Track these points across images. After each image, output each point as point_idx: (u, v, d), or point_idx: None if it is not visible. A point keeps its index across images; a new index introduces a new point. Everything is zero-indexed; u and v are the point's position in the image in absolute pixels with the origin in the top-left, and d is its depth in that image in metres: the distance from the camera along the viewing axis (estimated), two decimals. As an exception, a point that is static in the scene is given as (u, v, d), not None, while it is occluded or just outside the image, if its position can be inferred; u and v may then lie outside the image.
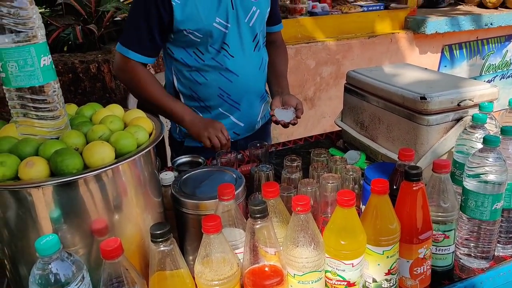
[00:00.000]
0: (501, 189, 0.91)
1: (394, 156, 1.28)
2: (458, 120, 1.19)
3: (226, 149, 1.40)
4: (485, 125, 1.03)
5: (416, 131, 1.20)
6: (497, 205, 0.92)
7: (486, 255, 0.97)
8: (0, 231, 0.71)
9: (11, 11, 0.63)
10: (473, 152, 0.95)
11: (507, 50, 3.60)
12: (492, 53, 3.51)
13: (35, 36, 0.67)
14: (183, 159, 1.33)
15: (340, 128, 1.68)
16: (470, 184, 0.93)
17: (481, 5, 3.47)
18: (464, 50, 3.32)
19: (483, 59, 3.50)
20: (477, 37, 3.33)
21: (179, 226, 0.98)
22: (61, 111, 0.73)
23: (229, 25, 1.40)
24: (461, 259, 1.00)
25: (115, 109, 0.85)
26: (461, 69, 3.39)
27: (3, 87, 0.70)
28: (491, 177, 0.90)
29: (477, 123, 1.03)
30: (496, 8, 3.40)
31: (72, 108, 0.86)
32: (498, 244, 1.01)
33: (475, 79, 3.36)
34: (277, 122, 1.44)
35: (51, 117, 0.72)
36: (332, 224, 0.82)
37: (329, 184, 1.09)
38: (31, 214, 0.65)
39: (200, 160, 1.32)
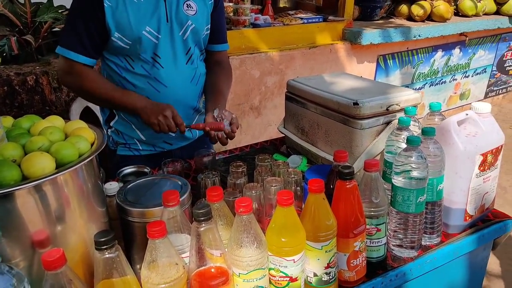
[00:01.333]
0: (424, 184, 1.01)
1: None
2: (387, 123, 1.30)
3: (181, 132, 1.41)
4: (409, 127, 1.14)
5: (351, 134, 1.29)
6: (421, 198, 1.02)
7: (414, 245, 1.07)
8: None
9: None
10: (399, 151, 1.05)
11: (434, 60, 3.92)
12: (421, 62, 3.81)
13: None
14: (128, 169, 1.32)
15: (283, 135, 1.76)
16: (397, 180, 1.02)
17: (410, 18, 3.75)
18: (397, 59, 3.57)
19: (413, 68, 3.78)
20: (407, 48, 3.60)
21: (126, 236, 0.98)
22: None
23: (160, 36, 1.42)
24: (393, 250, 1.09)
25: (55, 121, 0.84)
26: (395, 77, 3.63)
27: None
28: (414, 173, 1.00)
29: (402, 126, 1.13)
30: (423, 21, 3.70)
31: (8, 120, 0.84)
32: (425, 234, 1.11)
33: (407, 86, 3.63)
34: (209, 137, 1.43)
35: (-14, 129, 0.70)
36: (274, 223, 0.87)
37: (272, 187, 1.15)
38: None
39: (145, 170, 1.33)
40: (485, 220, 1.22)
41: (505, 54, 4.65)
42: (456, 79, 4.26)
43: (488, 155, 1.10)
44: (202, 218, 0.78)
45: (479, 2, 3.98)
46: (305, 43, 2.98)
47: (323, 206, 0.90)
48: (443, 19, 3.67)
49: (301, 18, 2.97)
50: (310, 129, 1.48)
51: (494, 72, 4.67)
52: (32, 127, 0.80)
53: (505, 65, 4.74)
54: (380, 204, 0.98)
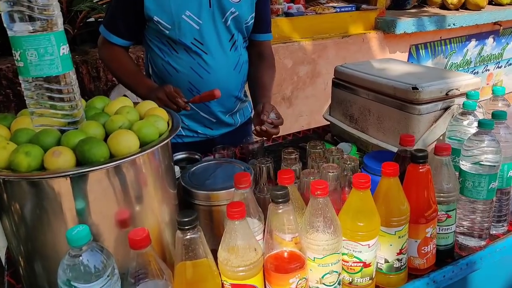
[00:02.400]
0: (497, 170, 0.97)
1: (386, 146, 1.33)
2: (446, 109, 1.26)
3: (183, 108, 1.35)
4: (475, 111, 1.10)
5: (408, 120, 1.25)
6: (493, 184, 0.98)
7: (482, 233, 1.03)
8: (17, 226, 0.68)
9: (33, -2, 0.61)
10: (469, 136, 1.01)
11: (467, 50, 3.81)
12: (454, 52, 3.71)
13: (55, 24, 0.66)
14: (180, 155, 1.32)
15: (326, 123, 1.73)
16: (467, 166, 0.99)
17: (443, 6, 3.66)
18: (429, 49, 3.49)
19: (446, 58, 3.69)
20: (440, 37, 3.51)
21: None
22: (78, 102, 0.72)
23: (201, 22, 1.39)
24: (458, 238, 1.05)
25: (125, 101, 0.83)
26: (427, 67, 3.55)
27: (20, 77, 0.67)
28: (488, 158, 0.96)
29: (467, 110, 1.09)
30: (457, 9, 3.60)
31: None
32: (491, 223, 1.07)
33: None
34: (255, 129, 1.40)
35: (69, 107, 0.70)
36: (348, 207, 0.85)
37: (330, 174, 1.12)
38: (57, 205, 0.63)
39: (197, 156, 1.32)
40: (551, 208, 1.17)
41: (539, 44, 4.50)
42: (488, 70, 4.14)
43: (561, 140, 1.05)
44: (280, 200, 0.77)
45: (514, -10, 3.85)
46: (337, 32, 2.93)
47: (397, 190, 0.87)
48: (478, 8, 3.56)
49: (334, 7, 2.92)
50: (360, 116, 1.44)
51: (527, 62, 4.52)
52: (106, 108, 0.80)
53: (538, 56, 4.59)
54: (451, 190, 0.95)
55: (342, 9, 2.93)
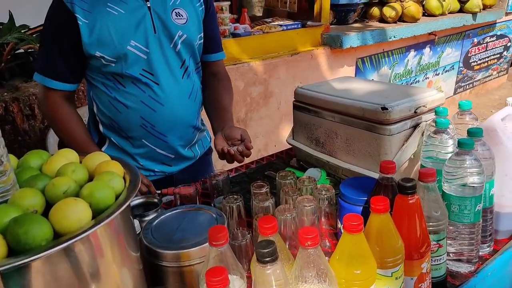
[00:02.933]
0: (481, 190, 0.93)
1: (357, 170, 1.26)
2: (415, 127, 1.22)
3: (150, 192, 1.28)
4: (448, 129, 1.06)
5: (379, 141, 1.19)
6: (479, 206, 0.93)
7: (472, 257, 0.98)
8: None
9: None
10: (449, 157, 0.96)
11: (408, 60, 3.97)
12: (396, 63, 3.84)
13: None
14: (136, 200, 1.16)
15: (286, 145, 1.65)
16: (451, 189, 0.94)
17: (382, 20, 3.78)
18: (374, 62, 3.57)
19: (390, 69, 3.80)
20: (383, 49, 3.61)
21: (155, 282, 0.83)
22: (6, 165, 0.56)
23: (149, 51, 1.27)
24: (448, 265, 0.99)
25: (68, 155, 0.68)
26: (374, 79, 3.63)
27: None
28: (471, 180, 0.91)
29: (440, 128, 1.05)
30: (395, 22, 3.74)
31: (11, 159, 0.67)
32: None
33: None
34: (223, 155, 1.31)
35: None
36: (340, 253, 0.75)
37: (306, 208, 1.03)
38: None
39: (155, 200, 1.17)
40: (528, 221, 1.15)
41: (470, 50, 4.80)
42: (428, 77, 4.33)
43: (535, 152, 1.03)
44: (268, 259, 0.65)
45: (444, 1, 4.08)
46: (286, 51, 2.90)
47: (390, 228, 0.79)
48: (414, 20, 3.72)
49: (280, 25, 2.89)
50: (327, 139, 1.37)
51: (461, 68, 4.80)
52: (44, 166, 0.64)
53: (470, 61, 4.89)
54: (441, 217, 0.88)
55: (289, 27, 2.91)
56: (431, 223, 0.88)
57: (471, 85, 5.08)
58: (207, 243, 0.74)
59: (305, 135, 1.47)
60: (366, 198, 1.01)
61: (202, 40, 1.43)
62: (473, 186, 0.91)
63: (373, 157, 1.23)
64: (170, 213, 0.90)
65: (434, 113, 1.16)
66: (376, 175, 1.08)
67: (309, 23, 3.04)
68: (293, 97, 1.50)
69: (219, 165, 1.75)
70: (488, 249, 1.04)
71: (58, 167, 0.62)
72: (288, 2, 3.23)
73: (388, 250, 0.78)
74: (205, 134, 1.59)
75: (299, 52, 2.93)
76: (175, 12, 1.33)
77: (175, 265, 0.80)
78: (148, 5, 1.27)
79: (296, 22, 2.97)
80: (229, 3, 2.59)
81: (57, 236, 0.52)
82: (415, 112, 1.19)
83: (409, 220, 0.82)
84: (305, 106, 1.43)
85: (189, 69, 1.39)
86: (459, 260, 0.98)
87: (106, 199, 0.57)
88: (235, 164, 1.56)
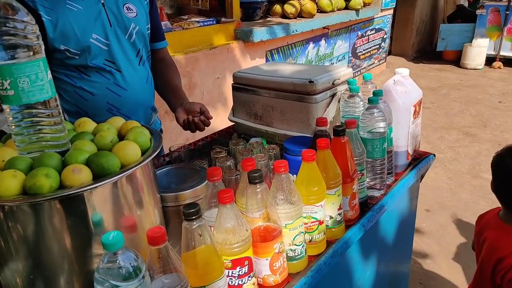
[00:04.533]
0: (385, 133, 1.30)
1: (292, 133, 1.57)
2: (332, 96, 1.57)
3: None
4: (359, 93, 1.42)
5: (308, 109, 1.52)
6: (385, 145, 1.30)
7: (382, 184, 1.35)
8: (39, 248, 0.68)
9: (21, 26, 0.62)
10: (362, 112, 1.31)
11: (308, 51, 4.47)
12: (299, 54, 4.31)
13: (40, 50, 0.67)
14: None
15: (228, 126, 1.91)
16: (365, 134, 1.29)
17: (284, 16, 4.21)
18: (281, 53, 3.98)
19: (294, 60, 4.26)
20: (287, 42, 4.04)
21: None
22: (63, 124, 0.73)
23: (109, 42, 1.44)
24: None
25: (89, 123, 0.86)
26: (281, 69, 4.04)
27: (6, 105, 0.66)
28: (379, 125, 1.27)
29: (354, 93, 1.41)
30: (295, 18, 4.19)
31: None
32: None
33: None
34: (188, 125, 1.54)
35: (57, 130, 0.71)
36: (301, 178, 1.04)
37: (260, 162, 1.30)
38: (83, 219, 0.66)
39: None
40: (415, 158, 1.58)
41: (356, 42, 5.52)
42: (325, 67, 4.91)
43: (416, 106, 1.45)
44: (258, 180, 0.91)
45: (333, -1, 4.68)
46: (205, 45, 3.13)
47: (331, 159, 1.10)
48: (311, 15, 4.22)
49: (197, 22, 3.11)
50: (265, 113, 1.66)
51: (350, 58, 5.51)
52: (78, 129, 0.81)
53: (357, 52, 5.63)
54: (362, 153, 1.23)
55: (205, 23, 3.15)
56: (355, 157, 1.22)
57: (359, 73, 5.84)
58: (196, 187, 0.98)
59: (244, 111, 1.74)
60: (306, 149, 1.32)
61: (149, 31, 1.61)
62: (380, 131, 1.28)
63: (304, 122, 1.55)
64: (163, 170, 1.11)
65: (346, 84, 1.52)
66: (308, 135, 1.40)
67: (223, 19, 3.31)
68: (232, 80, 1.76)
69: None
70: (391, 178, 1.43)
71: (91, 129, 0.80)
72: (200, 0, 3.45)
73: (332, 175, 1.09)
74: (157, 116, 1.77)
75: (216, 46, 3.19)
76: (126, 7, 1.49)
77: (175, 204, 1.01)
78: (102, 1, 1.42)
79: (211, 19, 3.21)
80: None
81: (123, 167, 0.72)
82: (332, 84, 1.54)
83: (342, 154, 1.15)
84: (243, 87, 1.70)
85: (143, 57, 1.57)
86: (374, 187, 1.35)
87: (145, 143, 0.77)
88: (184, 143, 1.78)
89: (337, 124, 1.51)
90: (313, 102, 1.50)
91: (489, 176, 1.47)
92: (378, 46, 6.21)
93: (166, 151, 1.61)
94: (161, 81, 1.69)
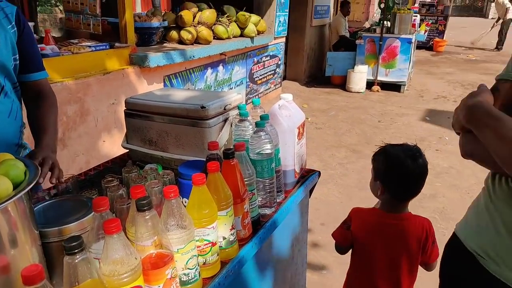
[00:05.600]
0: (273, 154, 1.39)
1: (187, 158, 1.59)
2: (225, 120, 1.63)
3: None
4: (248, 118, 1.50)
5: (201, 133, 1.56)
6: (273, 165, 1.40)
7: (273, 202, 1.44)
8: None
9: None
10: (251, 135, 1.39)
11: (207, 76, 4.57)
12: (198, 79, 4.38)
13: None
14: None
15: (121, 153, 1.86)
16: (255, 155, 1.37)
17: (181, 42, 4.26)
18: (179, 78, 4.01)
19: (193, 85, 4.31)
20: (185, 68, 4.08)
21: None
22: None
23: None
24: (259, 209, 1.42)
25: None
26: (180, 94, 4.06)
27: None
28: (266, 147, 1.36)
29: (243, 117, 1.49)
30: (192, 44, 4.27)
31: None
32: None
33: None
34: None
35: None
36: (192, 201, 1.06)
37: (154, 188, 1.30)
38: None
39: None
40: (303, 175, 1.71)
41: (252, 68, 5.79)
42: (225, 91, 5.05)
43: (300, 128, 1.58)
44: (146, 207, 0.91)
45: (228, 27, 4.87)
46: (97, 70, 3.02)
47: (222, 181, 1.15)
48: (207, 42, 4.34)
49: (89, 46, 2.99)
50: (159, 138, 1.66)
51: (248, 83, 5.75)
52: None
53: (254, 77, 5.90)
54: (251, 174, 1.30)
55: (98, 48, 3.04)
56: (246, 178, 1.29)
57: (257, 97, 6.11)
58: (82, 219, 0.95)
59: (138, 138, 1.72)
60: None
61: (18, 62, 1.47)
62: (267, 152, 1.37)
63: (198, 146, 1.59)
64: (45, 204, 1.04)
65: (237, 109, 1.60)
66: (202, 159, 1.44)
67: (117, 44, 3.24)
68: (124, 106, 1.73)
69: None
70: (281, 196, 1.53)
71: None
72: (91, 24, 3.34)
73: (222, 196, 1.13)
74: (27, 151, 1.62)
75: (111, 71, 3.10)
76: None
77: (59, 239, 0.96)
78: None
79: (104, 44, 3.12)
80: (33, 23, 2.57)
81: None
82: (224, 109, 1.61)
83: (232, 176, 1.20)
84: (136, 113, 1.69)
85: (5, 88, 1.43)
86: (265, 206, 1.42)
87: (18, 176, 0.73)
88: (76, 172, 1.68)
89: (230, 147, 1.58)
90: (206, 126, 1.55)
91: (373, 188, 1.65)
92: (273, 71, 6.58)
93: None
94: (32, 116, 1.56)
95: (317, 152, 4.53)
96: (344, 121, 5.69)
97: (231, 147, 1.62)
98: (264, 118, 1.43)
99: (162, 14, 4.35)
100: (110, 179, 1.36)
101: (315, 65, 8.48)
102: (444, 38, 12.58)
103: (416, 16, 9.38)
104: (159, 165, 1.66)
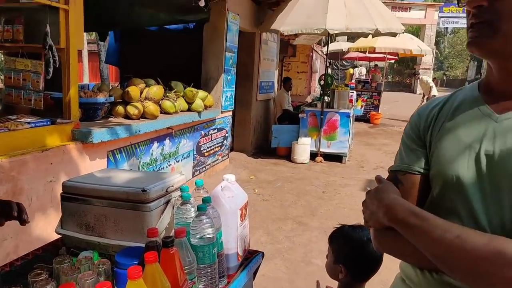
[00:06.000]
0: (214, 239, 1.38)
1: (126, 244, 1.53)
2: (167, 202, 1.62)
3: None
4: (190, 200, 1.50)
5: (142, 217, 1.52)
6: (214, 250, 1.38)
7: (216, 288, 1.40)
8: None
9: None
10: (192, 219, 1.39)
11: (153, 150, 4.54)
12: (143, 153, 4.33)
13: None
14: None
15: (54, 239, 1.76)
16: (196, 241, 1.35)
17: (127, 117, 4.26)
18: (124, 153, 3.95)
19: (138, 159, 4.25)
20: (130, 142, 4.05)
21: None
22: None
23: None
24: (201, 298, 1.37)
25: None
26: (126, 169, 3.97)
27: None
28: (208, 232, 1.35)
29: (185, 200, 1.49)
30: (138, 119, 4.28)
31: None
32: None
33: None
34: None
35: None
36: (128, 299, 1.01)
37: (88, 281, 1.23)
38: None
39: None
40: (246, 258, 1.69)
41: (200, 140, 5.86)
42: (171, 164, 5.02)
43: (243, 209, 1.60)
44: (75, 309, 0.86)
45: (176, 102, 4.98)
46: (35, 147, 2.91)
47: (159, 273, 1.11)
48: (154, 117, 4.38)
49: (28, 123, 2.90)
50: (97, 223, 1.60)
51: (195, 155, 5.77)
52: None
53: (201, 149, 5.95)
54: (192, 261, 1.27)
55: (38, 124, 2.96)
56: (186, 266, 1.25)
57: (204, 168, 6.12)
58: None
59: (75, 222, 1.64)
60: (137, 262, 1.30)
61: None
62: (209, 237, 1.36)
63: (138, 231, 1.54)
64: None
65: (179, 190, 1.60)
66: (142, 245, 1.39)
67: (59, 120, 3.17)
68: (61, 190, 1.66)
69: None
70: (224, 281, 1.49)
71: None
72: (33, 100, 3.27)
73: (160, 288, 1.09)
74: None
75: (50, 148, 2.99)
76: None
77: None
78: None
79: (45, 119, 3.05)
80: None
81: None
82: (166, 191, 1.60)
83: (171, 266, 1.17)
84: (74, 197, 1.62)
85: None
86: (208, 292, 1.38)
87: None
88: (1, 259, 1.55)
89: (173, 230, 1.55)
90: (147, 210, 1.52)
91: (319, 262, 1.67)
92: (221, 143, 6.69)
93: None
94: None
95: (264, 225, 4.51)
96: (290, 192, 5.79)
97: (173, 230, 1.60)
98: (206, 200, 1.44)
99: (109, 89, 4.38)
100: (38, 272, 1.26)
101: (262, 137, 8.75)
102: (379, 112, 13.65)
103: (353, 92, 10.18)
104: (95, 252, 1.58)
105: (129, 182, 1.61)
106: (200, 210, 1.36)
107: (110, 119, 4.16)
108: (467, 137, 1.00)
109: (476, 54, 0.98)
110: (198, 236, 1.35)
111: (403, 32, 7.36)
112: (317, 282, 1.82)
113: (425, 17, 23.55)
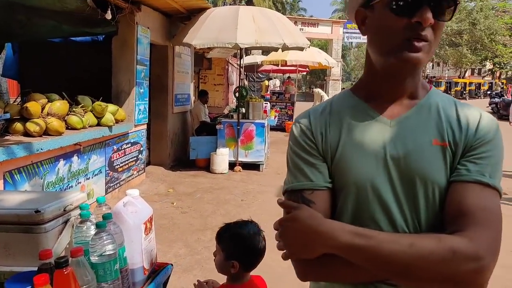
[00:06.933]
0: (116, 254, 1.36)
1: (19, 269, 1.43)
2: (66, 221, 1.55)
3: None
4: (90, 218, 1.46)
5: (37, 239, 1.44)
6: (117, 266, 1.35)
7: (119, 305, 1.37)
8: None
9: None
10: (91, 237, 1.35)
11: (59, 168, 4.26)
12: (47, 172, 4.04)
13: None
14: None
15: None
16: (97, 258, 1.32)
17: (27, 134, 3.96)
18: (24, 173, 3.65)
19: (41, 179, 3.95)
20: (31, 161, 3.76)
21: None
22: None
23: None
24: (104, 317, 1.34)
25: None
26: (27, 190, 3.67)
27: None
28: (108, 248, 1.33)
29: (84, 218, 1.44)
30: (41, 136, 4.00)
31: None
32: (123, 295, 1.43)
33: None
34: None
35: None
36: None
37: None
38: None
39: None
40: (154, 270, 1.68)
41: (112, 156, 5.63)
42: (80, 182, 4.74)
43: (147, 223, 1.59)
44: None
45: (83, 117, 4.74)
46: None
47: (52, 294, 1.07)
48: (58, 133, 4.12)
49: None
50: (-15, 250, 1.47)
51: (108, 171, 5.53)
52: None
53: (114, 165, 5.71)
54: (91, 280, 1.24)
55: None
56: (84, 285, 1.22)
57: (118, 184, 5.88)
58: None
59: (-43, 252, 1.49)
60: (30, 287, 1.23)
61: None
62: (110, 253, 1.33)
63: (33, 255, 1.44)
64: None
65: (79, 209, 1.54)
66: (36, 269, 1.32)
67: None
68: None
69: None
70: (131, 298, 1.47)
71: None
72: None
73: (53, 311, 1.05)
74: None
75: None
76: None
77: None
78: None
79: None
80: None
81: None
82: (64, 210, 1.53)
83: (66, 286, 1.13)
84: (-45, 224, 1.48)
85: None
86: (111, 311, 1.35)
87: None
88: None
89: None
90: (42, 232, 1.44)
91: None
92: (135, 158, 6.48)
93: None
94: None
95: (183, 238, 4.46)
96: (209, 202, 5.80)
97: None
98: (106, 217, 1.41)
99: (5, 105, 4.03)
100: None
101: (180, 149, 8.65)
102: (293, 121, 14.27)
103: (267, 103, 10.54)
104: (-18, 281, 1.45)
105: (22, 204, 1.52)
106: (99, 227, 1.33)
107: (6, 137, 3.82)
108: (369, 144, 1.01)
109: (416, 65, 0.96)
110: (97, 253, 1.31)
111: (309, 47, 7.81)
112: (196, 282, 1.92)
113: (331, 32, 25.20)
